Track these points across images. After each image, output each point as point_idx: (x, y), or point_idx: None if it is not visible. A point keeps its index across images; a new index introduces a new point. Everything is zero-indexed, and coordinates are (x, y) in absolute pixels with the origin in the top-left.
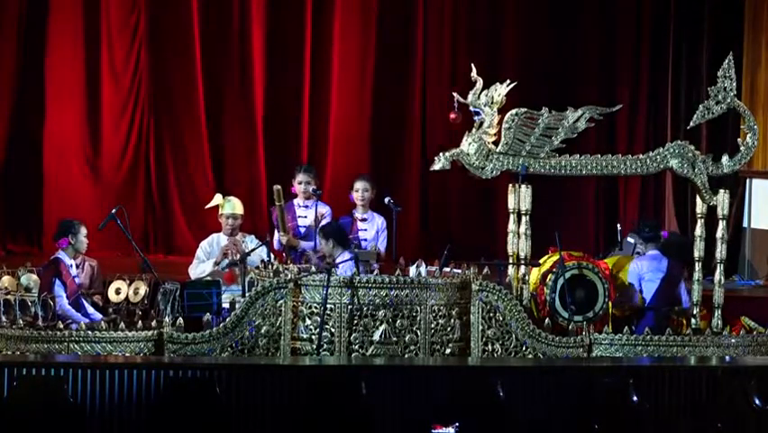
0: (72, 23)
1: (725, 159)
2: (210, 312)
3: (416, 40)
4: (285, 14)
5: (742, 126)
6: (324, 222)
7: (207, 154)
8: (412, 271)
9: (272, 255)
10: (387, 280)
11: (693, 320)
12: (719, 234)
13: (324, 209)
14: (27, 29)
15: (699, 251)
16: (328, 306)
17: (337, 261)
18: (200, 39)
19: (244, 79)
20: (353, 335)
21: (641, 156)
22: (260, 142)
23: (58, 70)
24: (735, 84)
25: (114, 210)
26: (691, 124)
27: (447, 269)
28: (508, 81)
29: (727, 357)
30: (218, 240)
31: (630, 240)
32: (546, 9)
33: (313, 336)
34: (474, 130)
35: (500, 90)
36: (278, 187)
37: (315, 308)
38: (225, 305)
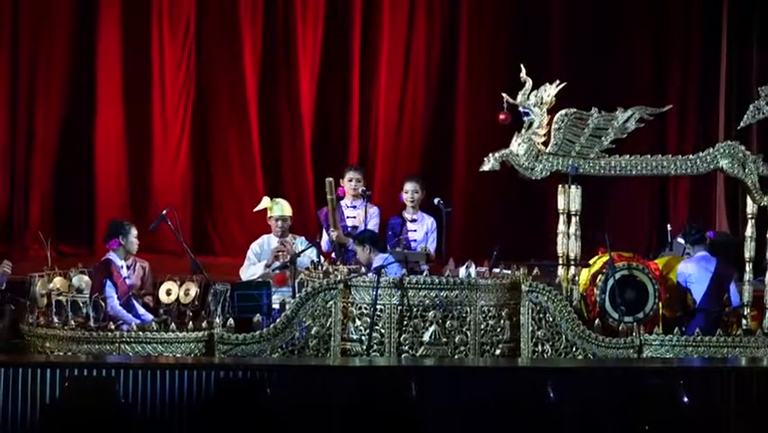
0: (123, 27)
1: None
2: (260, 313)
3: (462, 41)
4: (334, 16)
5: None
6: (371, 223)
7: (256, 156)
8: (461, 271)
9: (322, 257)
10: (436, 281)
11: (744, 321)
12: None
13: (373, 210)
14: (78, 32)
15: (749, 251)
16: (378, 307)
17: (374, 265)
18: (249, 41)
19: (292, 81)
20: (403, 336)
21: (691, 156)
22: (307, 143)
23: (109, 73)
24: None
25: (164, 211)
26: (742, 124)
27: (497, 269)
28: (558, 81)
29: None
30: (268, 241)
31: (680, 240)
32: (594, 7)
33: (363, 337)
34: (523, 130)
35: (549, 90)
36: (331, 179)
37: (365, 308)
38: (275, 306)
